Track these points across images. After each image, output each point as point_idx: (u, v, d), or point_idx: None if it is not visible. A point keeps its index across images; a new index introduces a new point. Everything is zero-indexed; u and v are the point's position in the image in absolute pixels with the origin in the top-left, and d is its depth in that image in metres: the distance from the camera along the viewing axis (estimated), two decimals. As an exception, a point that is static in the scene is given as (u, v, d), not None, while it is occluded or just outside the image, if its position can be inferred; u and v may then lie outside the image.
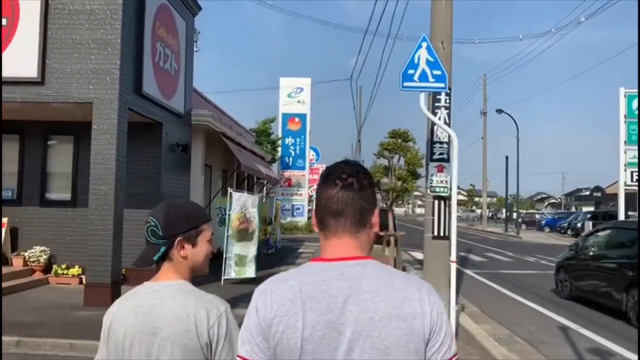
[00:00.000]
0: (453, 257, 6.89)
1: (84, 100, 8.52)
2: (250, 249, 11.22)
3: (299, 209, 35.40)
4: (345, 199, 1.26)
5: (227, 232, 10.89)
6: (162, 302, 1.59)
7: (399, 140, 12.87)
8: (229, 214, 10.90)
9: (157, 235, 1.66)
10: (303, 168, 35.64)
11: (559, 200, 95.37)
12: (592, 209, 54.12)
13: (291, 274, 1.27)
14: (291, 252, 18.85)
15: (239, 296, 8.79)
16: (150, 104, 9.80)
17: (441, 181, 7.68)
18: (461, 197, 77.77)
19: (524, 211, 57.18)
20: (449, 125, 7.81)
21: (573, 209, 67.57)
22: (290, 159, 35.33)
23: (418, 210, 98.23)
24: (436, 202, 7.73)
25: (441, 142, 7.75)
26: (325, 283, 1.20)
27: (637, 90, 33.55)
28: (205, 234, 1.69)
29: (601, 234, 10.61)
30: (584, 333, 7.58)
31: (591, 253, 10.09)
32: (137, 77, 9.18)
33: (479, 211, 60.39)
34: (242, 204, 10.86)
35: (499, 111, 35.49)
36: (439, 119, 7.76)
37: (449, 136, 7.70)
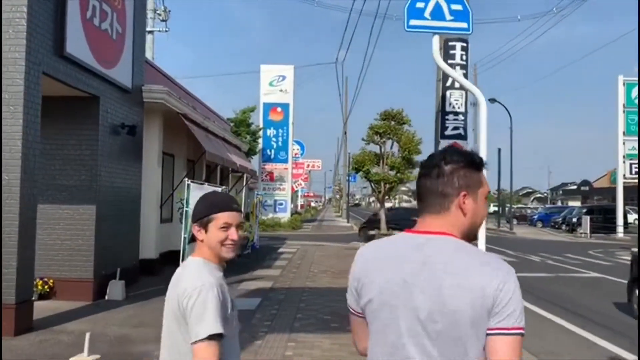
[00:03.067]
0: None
1: (-20, 60, 6.41)
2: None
3: (281, 204, 33.33)
4: (423, 186, 1.51)
5: (184, 232, 8.85)
6: (176, 276, 1.90)
7: (392, 122, 10.89)
8: (186, 210, 8.84)
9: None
10: (286, 161, 33.51)
11: (545, 194, 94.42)
12: (578, 203, 53.00)
13: (386, 239, 1.59)
14: (270, 252, 16.86)
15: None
16: (80, 71, 7.70)
17: (456, 165, 5.71)
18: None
19: (515, 206, 55.81)
20: (465, 90, 5.84)
21: (559, 203, 66.40)
22: (272, 151, 33.19)
23: (405, 206, 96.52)
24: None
25: (456, 113, 5.77)
26: (405, 249, 1.47)
27: (637, 78, 31.39)
28: (216, 222, 1.87)
29: (390, 212, 23.54)
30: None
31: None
32: (57, 33, 7.07)
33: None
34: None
35: (492, 100, 33.68)
36: (452, 82, 5.79)
37: (466, 103, 5.73)
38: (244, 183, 19.99)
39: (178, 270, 1.92)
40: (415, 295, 1.38)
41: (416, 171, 12.62)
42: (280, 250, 17.99)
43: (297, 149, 41.59)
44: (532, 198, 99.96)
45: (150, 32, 22.04)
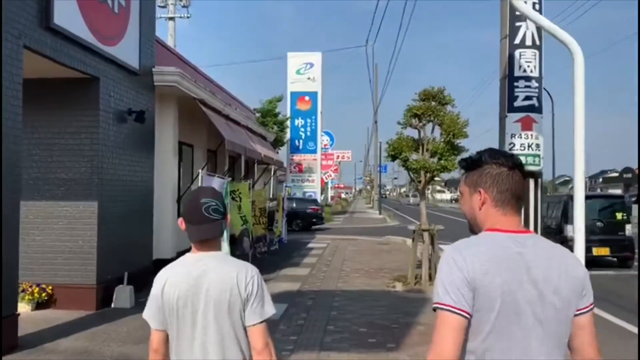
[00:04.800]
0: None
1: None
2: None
3: (310, 196, 32.24)
4: (522, 184, 1.63)
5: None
6: (209, 269, 1.94)
7: (433, 103, 9.61)
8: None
9: (221, 213, 1.97)
10: (314, 152, 32.38)
11: (584, 182, 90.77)
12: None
13: (479, 239, 1.58)
14: (299, 248, 15.79)
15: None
16: (73, 47, 6.68)
17: (529, 145, 4.44)
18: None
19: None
20: (538, 49, 4.56)
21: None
22: (300, 141, 32.10)
23: (437, 196, 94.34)
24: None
25: (528, 78, 4.52)
26: (512, 249, 1.52)
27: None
28: None
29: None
30: None
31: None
32: (42, 1, 6.06)
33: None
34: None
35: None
36: (522, 38, 4.52)
37: (541, 65, 4.47)
38: (272, 174, 18.99)
39: (196, 263, 1.96)
40: (534, 291, 1.48)
41: (460, 157, 11.27)
42: (310, 245, 16.91)
43: (327, 140, 40.39)
44: (569, 187, 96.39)
45: (171, 18, 21.19)
